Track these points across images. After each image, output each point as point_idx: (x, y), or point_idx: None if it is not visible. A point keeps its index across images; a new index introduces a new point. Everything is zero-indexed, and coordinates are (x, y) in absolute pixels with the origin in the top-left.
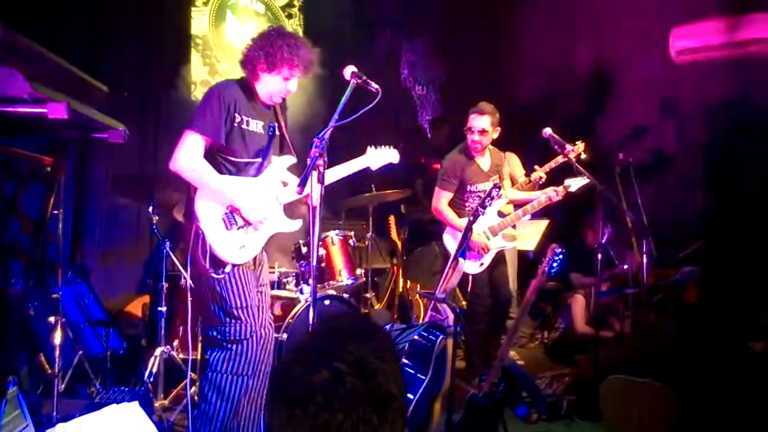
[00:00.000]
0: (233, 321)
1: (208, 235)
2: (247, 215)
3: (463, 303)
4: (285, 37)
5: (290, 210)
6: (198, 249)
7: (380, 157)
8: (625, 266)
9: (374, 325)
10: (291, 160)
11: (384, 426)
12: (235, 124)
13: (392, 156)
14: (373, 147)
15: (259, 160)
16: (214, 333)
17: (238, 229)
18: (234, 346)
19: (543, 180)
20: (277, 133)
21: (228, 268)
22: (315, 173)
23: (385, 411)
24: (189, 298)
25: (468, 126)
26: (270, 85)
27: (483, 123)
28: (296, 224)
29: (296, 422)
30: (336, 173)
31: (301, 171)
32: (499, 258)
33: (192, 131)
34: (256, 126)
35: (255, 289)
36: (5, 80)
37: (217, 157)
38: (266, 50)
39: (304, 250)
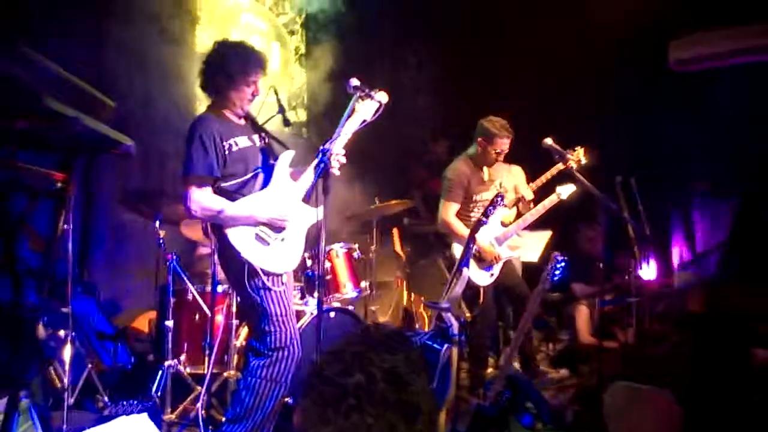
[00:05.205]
0: (275, 330)
1: (253, 259)
2: (276, 222)
3: (468, 315)
4: (233, 47)
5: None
6: (246, 275)
7: (370, 106)
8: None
9: (408, 338)
10: (290, 154)
11: None
12: (227, 152)
13: (381, 98)
14: (359, 100)
15: (260, 171)
16: (256, 344)
17: (274, 240)
18: (274, 354)
19: (532, 198)
20: (261, 143)
21: (285, 278)
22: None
23: (413, 422)
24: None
25: (494, 148)
26: (237, 98)
27: (507, 144)
28: (320, 210)
29: (327, 422)
30: (339, 142)
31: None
32: (507, 265)
33: (192, 178)
34: (245, 141)
35: (291, 301)
36: (18, 95)
37: (224, 188)
38: (220, 68)
39: (309, 262)
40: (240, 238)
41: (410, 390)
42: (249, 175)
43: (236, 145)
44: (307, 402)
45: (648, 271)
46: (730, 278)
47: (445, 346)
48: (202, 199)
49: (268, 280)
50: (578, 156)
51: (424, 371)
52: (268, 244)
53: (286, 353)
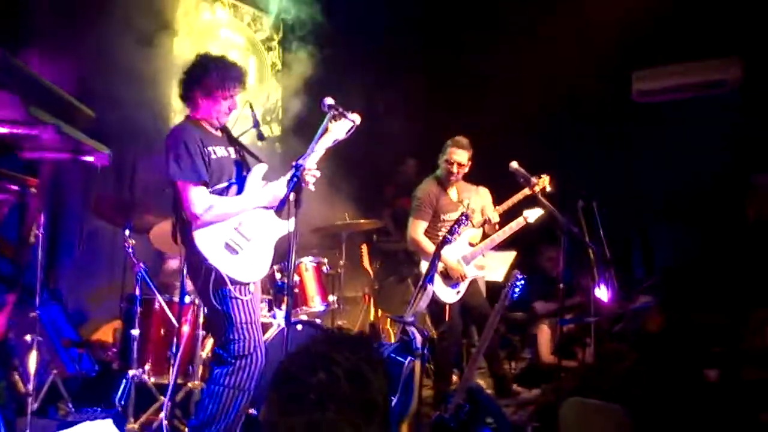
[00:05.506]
0: (240, 337)
1: (220, 266)
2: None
3: (434, 332)
4: (213, 61)
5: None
6: (213, 282)
7: (343, 125)
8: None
9: (370, 339)
10: (263, 168)
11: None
12: (206, 158)
13: (354, 118)
14: (332, 119)
15: (234, 181)
16: (221, 352)
17: (243, 249)
18: (238, 362)
19: (497, 221)
20: (236, 156)
21: (252, 287)
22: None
23: (371, 418)
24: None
25: (447, 158)
26: (214, 110)
27: (463, 157)
28: (291, 223)
29: (289, 417)
30: (311, 158)
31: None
32: (473, 285)
33: (188, 180)
34: (222, 151)
35: (258, 308)
36: (2, 103)
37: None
38: (200, 80)
39: (277, 275)
40: (208, 245)
41: (370, 388)
42: (223, 185)
43: (215, 153)
44: (270, 399)
45: (606, 292)
46: (684, 300)
47: (409, 358)
48: (202, 198)
49: (234, 288)
50: (543, 183)
51: (383, 369)
52: (237, 252)
53: (249, 361)
